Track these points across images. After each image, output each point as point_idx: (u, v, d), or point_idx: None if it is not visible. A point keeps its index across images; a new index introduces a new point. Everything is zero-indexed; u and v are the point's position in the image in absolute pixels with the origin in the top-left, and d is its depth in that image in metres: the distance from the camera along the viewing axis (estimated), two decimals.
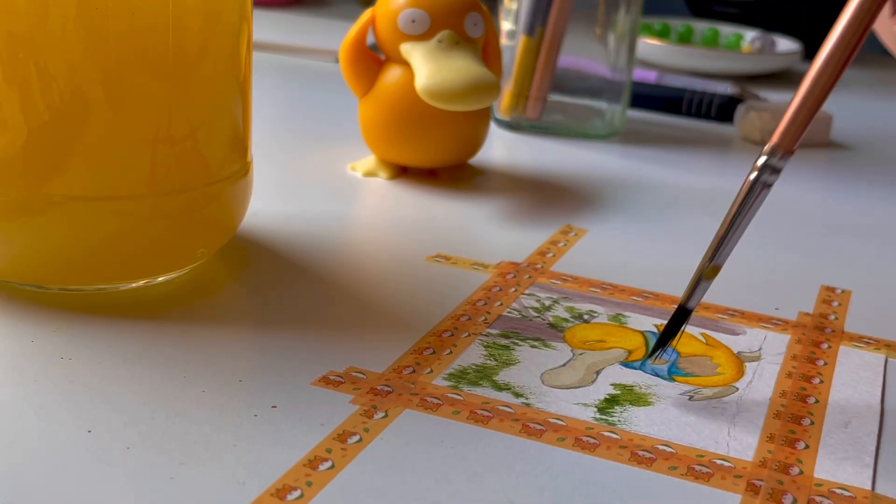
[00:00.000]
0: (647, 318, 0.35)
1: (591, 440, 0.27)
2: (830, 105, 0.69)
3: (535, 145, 0.58)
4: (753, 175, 0.29)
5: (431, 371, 0.30)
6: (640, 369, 0.31)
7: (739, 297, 0.37)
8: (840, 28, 0.28)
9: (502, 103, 0.59)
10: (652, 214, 0.47)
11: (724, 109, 0.65)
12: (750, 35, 0.86)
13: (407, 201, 0.46)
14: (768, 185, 0.29)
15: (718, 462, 0.27)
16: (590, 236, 0.43)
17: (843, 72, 0.28)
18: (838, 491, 0.26)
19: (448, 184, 0.49)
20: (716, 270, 0.29)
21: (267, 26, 0.83)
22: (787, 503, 0.25)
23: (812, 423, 0.29)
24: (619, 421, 0.28)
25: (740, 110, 0.63)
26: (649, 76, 0.70)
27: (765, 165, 0.29)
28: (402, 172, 0.49)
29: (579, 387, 0.30)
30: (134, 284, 0.34)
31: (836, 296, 0.38)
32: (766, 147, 0.29)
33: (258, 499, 0.24)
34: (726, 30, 0.88)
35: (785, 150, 0.29)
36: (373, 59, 0.48)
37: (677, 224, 0.46)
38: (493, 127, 0.59)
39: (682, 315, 0.30)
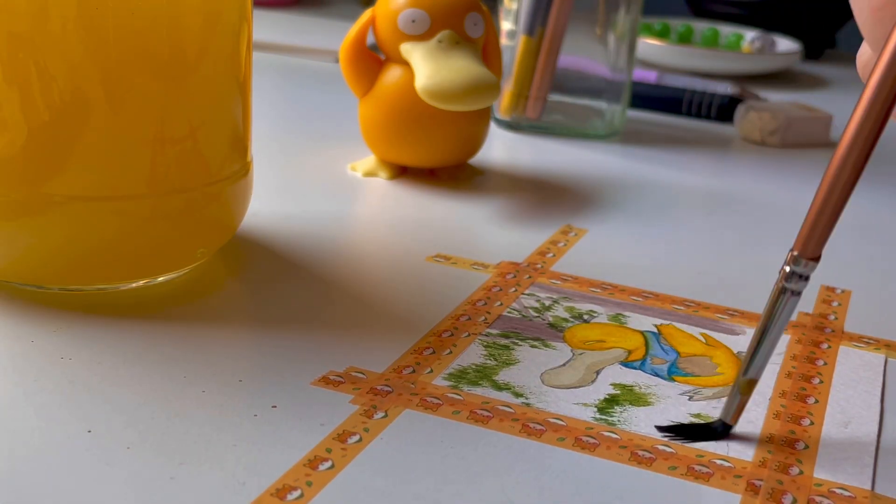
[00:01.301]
0: (647, 318, 0.35)
1: (591, 440, 0.27)
2: (830, 105, 0.69)
3: (535, 145, 0.58)
4: (780, 285, 0.27)
5: (431, 371, 0.30)
6: (641, 369, 0.31)
7: (739, 297, 0.37)
8: (857, 120, 0.26)
9: (502, 103, 0.59)
10: (652, 214, 0.47)
11: (724, 109, 0.65)
12: (750, 35, 0.86)
13: (407, 201, 0.46)
14: (796, 294, 0.27)
15: (718, 462, 0.27)
16: (590, 236, 0.43)
17: (865, 166, 0.26)
18: (838, 491, 0.26)
19: (448, 184, 0.49)
20: (752, 384, 0.28)
21: (267, 26, 0.83)
22: (787, 503, 0.25)
23: (812, 423, 0.29)
24: (618, 421, 0.28)
25: (740, 110, 0.63)
26: (649, 76, 0.70)
27: (791, 274, 0.27)
28: (402, 172, 0.49)
29: (579, 387, 0.30)
30: (134, 284, 0.34)
31: (836, 296, 0.38)
32: (790, 255, 0.27)
33: (258, 499, 0.24)
34: (726, 30, 0.88)
35: (809, 257, 0.27)
36: (373, 59, 0.48)
37: (677, 224, 0.46)
38: (493, 127, 0.59)
39: (723, 430, 0.28)
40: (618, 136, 0.60)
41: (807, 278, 0.27)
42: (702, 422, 0.28)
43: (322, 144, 0.54)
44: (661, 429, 0.28)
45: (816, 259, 0.27)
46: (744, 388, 0.28)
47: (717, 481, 0.26)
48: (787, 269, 0.27)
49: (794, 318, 0.36)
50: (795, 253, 0.27)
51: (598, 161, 0.55)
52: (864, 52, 0.28)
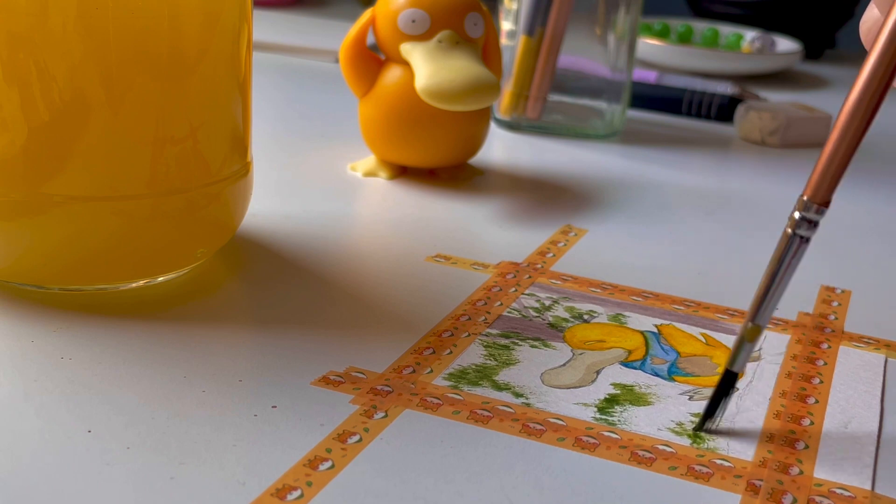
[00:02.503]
0: (647, 318, 0.35)
1: (591, 440, 0.27)
2: (830, 105, 0.69)
3: (535, 145, 0.58)
4: (790, 230, 0.27)
5: (431, 371, 0.30)
6: (641, 369, 0.31)
7: (739, 297, 0.37)
8: (870, 64, 0.26)
9: (502, 103, 0.59)
10: (652, 214, 0.47)
11: (724, 109, 0.65)
12: (750, 35, 0.86)
13: (407, 201, 0.46)
14: (806, 240, 0.27)
15: (718, 462, 0.27)
16: (590, 236, 0.43)
17: (878, 111, 0.26)
18: (838, 491, 0.26)
19: (448, 184, 0.49)
20: (757, 330, 0.28)
21: (267, 26, 0.83)
22: (787, 503, 0.25)
23: (812, 423, 0.29)
24: (619, 421, 0.28)
25: (740, 110, 0.63)
26: (649, 76, 0.70)
27: (801, 219, 0.27)
28: (402, 172, 0.49)
29: (579, 387, 0.30)
30: (134, 284, 0.34)
31: (836, 296, 0.38)
32: (800, 200, 0.27)
33: (258, 499, 0.24)
34: (726, 30, 0.88)
35: (820, 202, 0.27)
36: (373, 59, 0.48)
37: (677, 224, 0.46)
38: (493, 127, 0.59)
39: (729, 379, 0.28)
40: (618, 136, 0.60)
41: (816, 224, 0.27)
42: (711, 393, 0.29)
43: (322, 144, 0.54)
44: (701, 428, 0.28)
45: (826, 204, 0.27)
46: (750, 335, 0.28)
47: (717, 481, 0.26)
48: (797, 214, 0.27)
49: (794, 318, 0.36)
50: (805, 198, 0.27)
51: (598, 161, 0.55)
52: (871, 19, 0.28)
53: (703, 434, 0.28)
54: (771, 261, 0.27)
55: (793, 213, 0.27)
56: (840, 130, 0.26)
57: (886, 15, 0.26)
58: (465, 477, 0.25)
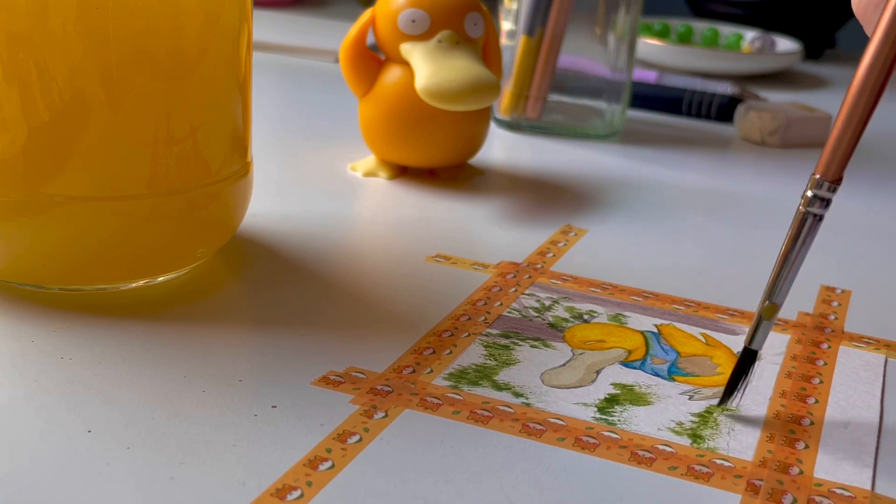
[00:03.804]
0: (647, 318, 0.35)
1: (591, 440, 0.27)
2: (830, 105, 0.69)
3: (535, 145, 0.58)
4: (803, 208, 0.28)
5: (431, 371, 0.30)
6: (641, 369, 0.31)
7: (739, 297, 0.37)
8: (877, 39, 0.26)
9: (502, 103, 0.59)
10: (652, 214, 0.47)
11: (724, 109, 0.65)
12: (750, 35, 0.86)
13: (407, 201, 0.46)
14: (819, 218, 0.28)
15: (718, 462, 0.27)
16: (590, 236, 0.43)
17: (885, 88, 0.26)
18: (838, 491, 0.26)
19: (448, 184, 0.49)
20: (774, 309, 0.28)
21: (267, 26, 0.83)
22: (787, 503, 0.25)
23: (812, 423, 0.29)
24: (619, 421, 0.28)
25: (740, 110, 0.63)
26: (649, 76, 0.70)
27: (814, 197, 0.27)
28: (402, 172, 0.49)
29: (579, 386, 0.30)
30: (134, 284, 0.34)
31: (836, 296, 0.38)
32: (812, 178, 0.27)
33: (258, 499, 0.24)
34: (726, 30, 0.88)
35: (831, 179, 0.27)
36: (373, 59, 0.48)
37: (677, 224, 0.46)
38: (493, 127, 0.59)
39: (748, 357, 0.29)
40: (618, 136, 0.60)
41: (829, 202, 0.27)
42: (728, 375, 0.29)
43: (322, 144, 0.54)
44: (723, 403, 0.29)
45: (838, 181, 0.27)
46: (767, 313, 0.28)
47: (717, 481, 0.26)
48: (810, 193, 0.27)
49: (794, 318, 0.36)
50: (817, 176, 0.27)
51: (598, 161, 0.55)
52: None
53: (703, 434, 0.28)
54: (786, 239, 0.28)
55: (805, 191, 0.28)
56: (849, 107, 0.27)
57: None
58: (465, 477, 0.25)
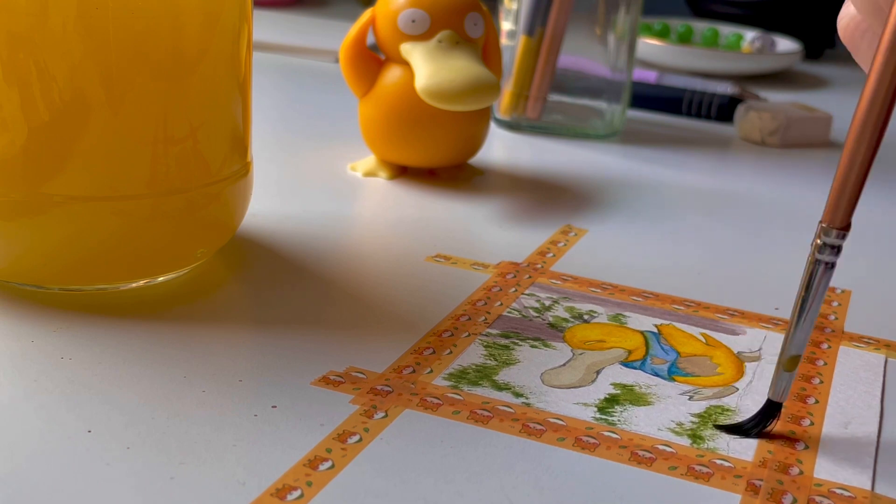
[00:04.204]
0: (647, 318, 0.35)
1: (591, 440, 0.27)
2: (830, 105, 0.69)
3: (535, 145, 0.58)
4: (813, 257, 0.27)
5: (431, 371, 0.30)
6: (641, 369, 0.31)
7: (739, 297, 0.37)
8: (873, 83, 0.25)
9: (502, 103, 0.59)
10: (652, 214, 0.47)
11: (724, 109, 0.65)
12: (750, 35, 0.86)
13: (407, 201, 0.46)
14: (830, 266, 0.27)
15: (718, 462, 0.27)
16: (590, 236, 0.43)
17: (886, 129, 0.26)
18: (838, 491, 0.26)
19: (448, 184, 0.49)
20: (795, 360, 0.28)
21: (267, 26, 0.83)
22: (787, 503, 0.25)
23: (812, 423, 0.29)
24: (619, 421, 0.28)
25: (740, 110, 0.63)
26: (649, 76, 0.70)
27: (823, 245, 0.27)
28: (402, 172, 0.49)
29: (579, 387, 0.30)
30: (134, 284, 0.34)
31: (836, 296, 0.38)
32: (819, 227, 0.27)
33: (258, 499, 0.24)
34: (726, 30, 0.88)
35: (838, 227, 0.27)
36: (373, 59, 0.48)
37: (677, 224, 0.46)
38: (493, 127, 0.59)
39: (771, 409, 0.28)
40: (618, 136, 0.60)
41: (839, 249, 0.27)
42: (753, 413, 0.29)
43: (322, 144, 0.54)
44: (721, 428, 0.28)
45: (847, 228, 0.27)
46: (788, 365, 0.28)
47: (717, 481, 0.26)
48: (819, 241, 0.27)
49: None
50: (825, 224, 0.27)
51: (598, 161, 0.55)
52: (847, 16, 0.27)
53: (703, 434, 0.28)
54: (799, 288, 0.27)
55: (815, 239, 0.27)
56: (850, 153, 0.26)
57: (883, 31, 0.25)
58: (465, 477, 0.25)
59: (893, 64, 0.25)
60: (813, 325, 0.27)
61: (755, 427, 0.28)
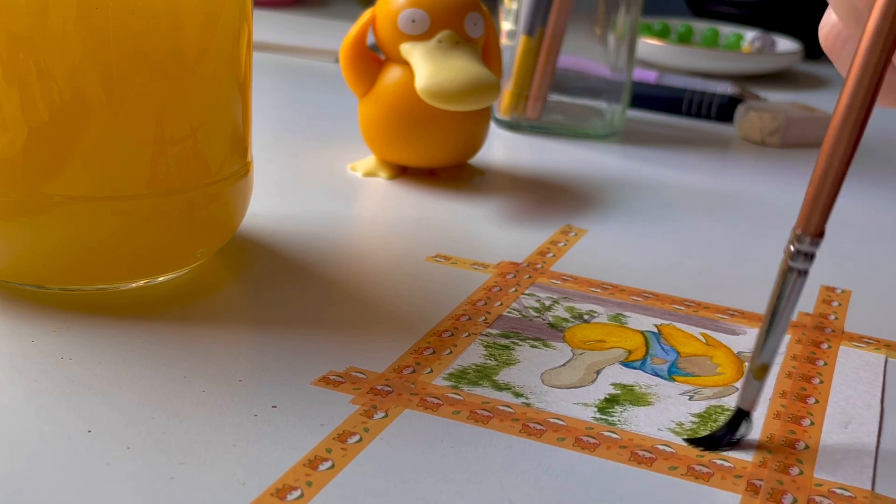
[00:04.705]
0: (647, 318, 0.35)
1: (591, 440, 0.27)
2: (830, 105, 0.69)
3: (535, 145, 0.58)
4: (786, 265, 0.27)
5: (431, 371, 0.30)
6: (641, 369, 0.31)
7: (739, 297, 0.37)
8: (849, 89, 0.25)
9: (502, 103, 0.59)
10: (652, 214, 0.47)
11: (724, 109, 0.65)
12: (750, 35, 0.86)
13: (407, 201, 0.46)
14: (803, 273, 0.27)
15: (718, 462, 0.27)
16: (590, 236, 0.43)
17: (861, 138, 0.25)
18: (838, 491, 0.26)
19: (448, 184, 0.49)
20: (764, 369, 0.27)
21: (267, 26, 0.83)
22: (787, 503, 0.25)
23: (812, 423, 0.29)
24: (619, 421, 0.28)
25: (740, 110, 0.63)
26: (649, 76, 0.70)
27: (796, 252, 0.27)
28: (402, 172, 0.49)
29: (579, 387, 0.30)
30: (134, 284, 0.34)
31: (836, 296, 0.38)
32: (793, 233, 0.27)
33: (258, 499, 0.24)
34: (726, 30, 0.88)
35: (812, 233, 0.26)
36: (373, 59, 0.48)
37: (677, 224, 0.46)
38: (493, 127, 0.59)
39: (738, 416, 0.28)
40: (618, 136, 0.60)
41: (812, 256, 0.27)
42: (719, 425, 0.28)
43: (322, 144, 0.54)
44: (692, 442, 0.27)
45: (820, 235, 0.26)
46: (757, 373, 0.27)
47: (717, 481, 0.26)
48: (792, 248, 0.27)
49: (794, 318, 0.36)
50: (799, 231, 0.27)
51: (598, 161, 0.55)
52: (828, 24, 0.27)
53: (703, 434, 0.28)
54: (770, 296, 0.27)
55: (787, 245, 0.27)
56: (825, 159, 0.26)
57: (860, 37, 0.25)
58: (465, 477, 0.25)
59: (871, 69, 0.25)
60: (784, 333, 0.27)
61: (724, 437, 0.27)
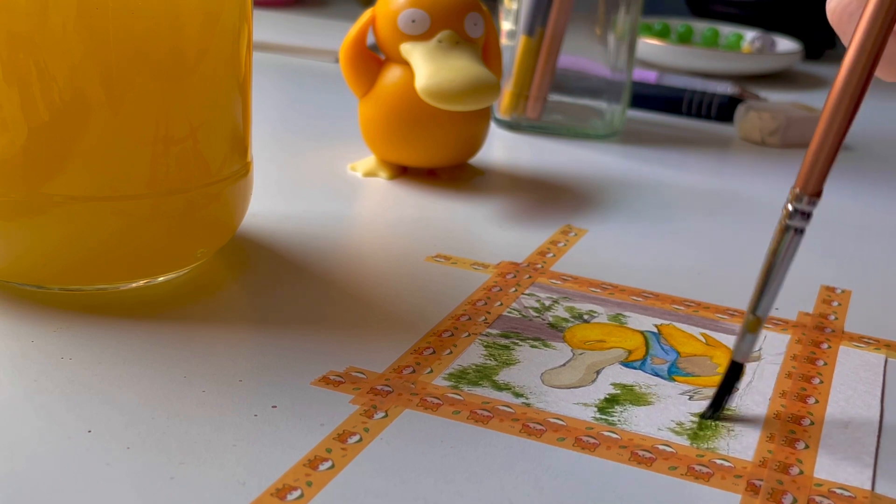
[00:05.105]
0: (647, 318, 0.35)
1: (591, 440, 0.27)
2: None
3: (535, 145, 0.58)
4: (784, 223, 0.28)
5: (431, 371, 0.30)
6: (641, 369, 0.31)
7: (739, 297, 0.37)
8: (851, 54, 0.26)
9: (502, 103, 0.59)
10: (652, 214, 0.47)
11: (724, 109, 0.65)
12: (750, 35, 0.86)
13: (407, 201, 0.46)
14: (800, 231, 0.28)
15: (718, 462, 0.27)
16: (590, 236, 0.43)
17: (861, 102, 0.26)
18: (838, 491, 0.26)
19: (448, 184, 0.49)
20: (758, 322, 0.28)
21: (267, 26, 0.83)
22: (787, 503, 0.25)
23: (812, 423, 0.29)
24: (619, 421, 0.28)
25: (740, 110, 0.63)
26: (649, 76, 0.70)
27: (794, 211, 0.27)
28: (402, 172, 0.49)
29: (579, 386, 0.30)
30: (134, 284, 0.34)
31: (836, 296, 0.38)
32: (791, 192, 0.27)
33: (258, 499, 0.24)
34: (726, 30, 0.88)
35: (811, 193, 0.27)
36: (373, 59, 0.48)
37: (677, 224, 0.46)
38: (493, 127, 0.59)
39: (734, 370, 0.29)
40: (618, 136, 0.60)
41: (809, 215, 0.28)
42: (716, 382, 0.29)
43: (322, 144, 0.54)
44: (706, 416, 0.29)
45: (818, 195, 0.27)
46: (751, 327, 0.28)
47: (717, 481, 0.26)
48: (790, 206, 0.28)
49: (794, 318, 0.36)
50: (797, 190, 0.27)
51: (598, 161, 0.55)
52: None
53: (702, 434, 0.28)
54: (767, 253, 0.28)
55: (786, 204, 0.28)
56: (826, 121, 0.27)
57: (865, 5, 0.26)
58: (465, 477, 0.25)
59: (874, 34, 0.26)
60: (779, 290, 0.28)
61: (724, 391, 0.29)
